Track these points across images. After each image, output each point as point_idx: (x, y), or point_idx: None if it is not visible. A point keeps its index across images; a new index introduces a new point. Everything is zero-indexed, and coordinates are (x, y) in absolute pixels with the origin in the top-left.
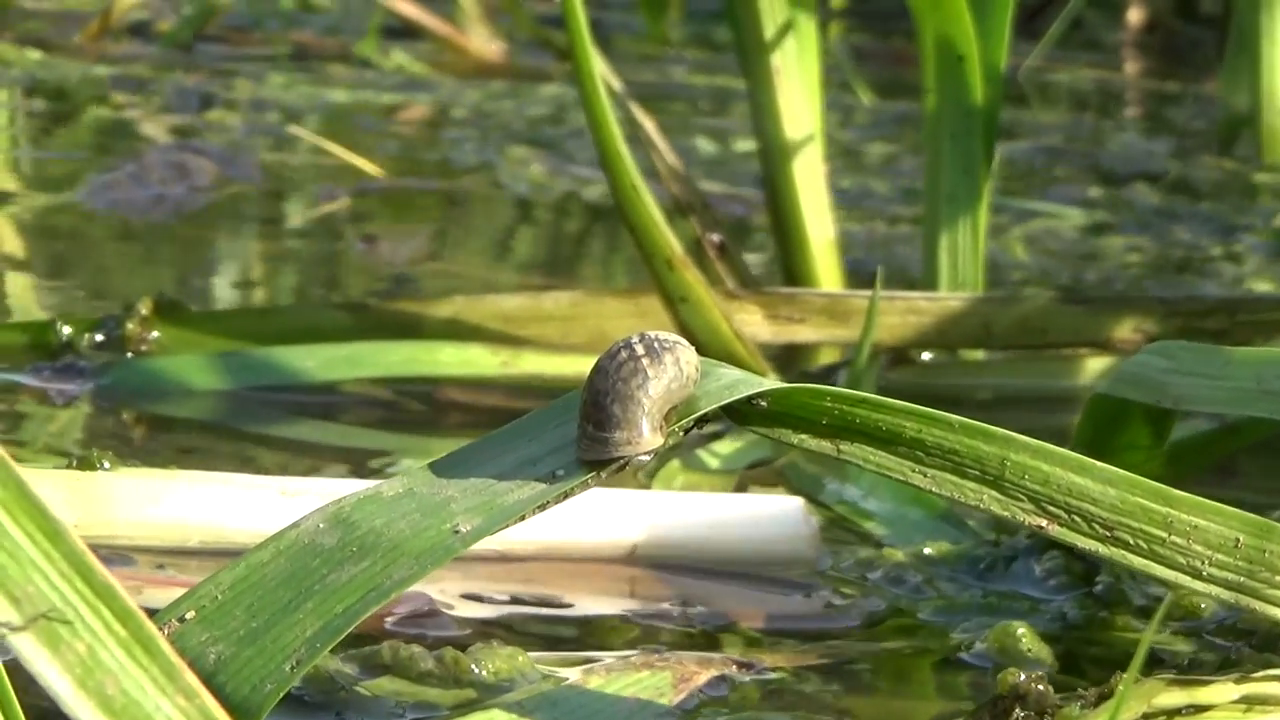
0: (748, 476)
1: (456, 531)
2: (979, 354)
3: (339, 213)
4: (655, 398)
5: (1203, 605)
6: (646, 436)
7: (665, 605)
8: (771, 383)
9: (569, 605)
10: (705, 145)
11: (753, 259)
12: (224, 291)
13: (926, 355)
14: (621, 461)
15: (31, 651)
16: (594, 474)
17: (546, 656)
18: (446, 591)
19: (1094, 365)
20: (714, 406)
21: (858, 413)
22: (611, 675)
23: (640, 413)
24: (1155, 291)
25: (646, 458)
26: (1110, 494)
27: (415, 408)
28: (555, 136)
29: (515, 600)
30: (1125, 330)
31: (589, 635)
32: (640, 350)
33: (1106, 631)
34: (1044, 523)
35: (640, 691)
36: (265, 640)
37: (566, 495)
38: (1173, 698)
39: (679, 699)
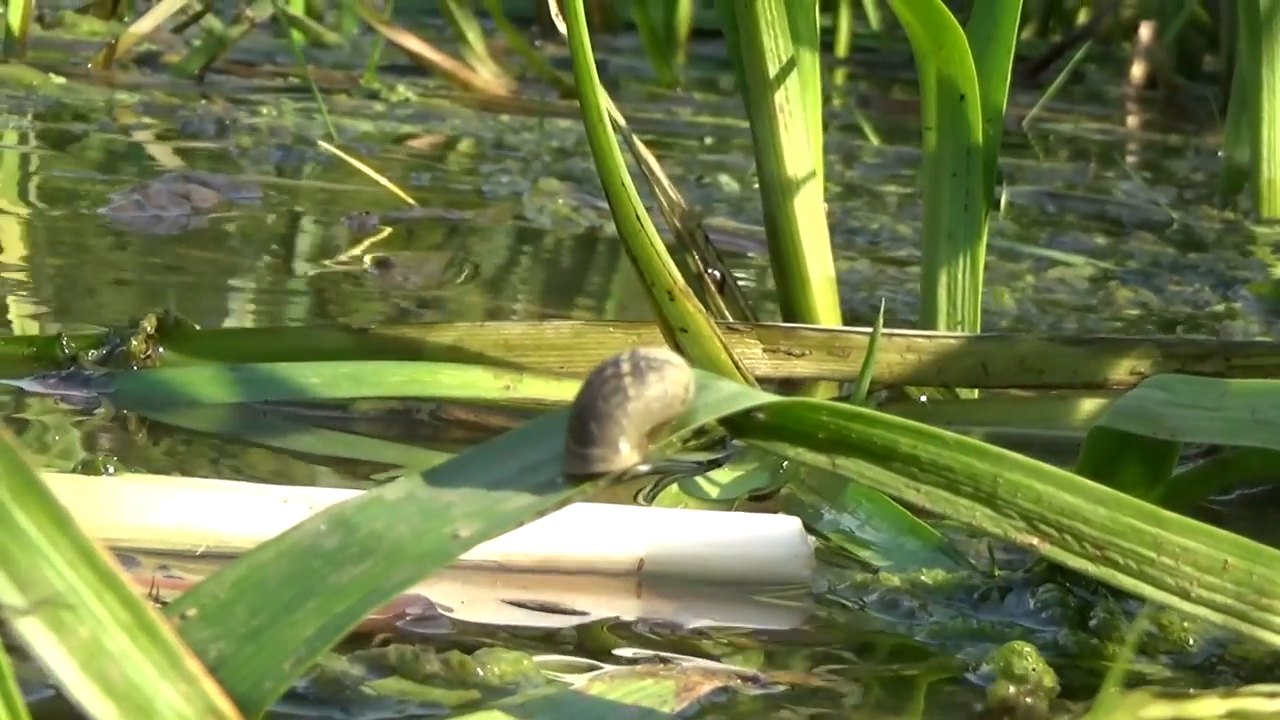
0: (746, 505)
1: (456, 536)
2: (975, 393)
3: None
4: (634, 416)
5: (1190, 641)
6: (624, 454)
7: (669, 617)
8: (769, 396)
9: (574, 613)
10: (721, 181)
11: (752, 296)
12: (231, 316)
13: (923, 396)
14: (601, 476)
15: (36, 636)
16: (585, 485)
17: (550, 661)
18: (452, 597)
19: (1090, 406)
20: (710, 418)
21: (854, 427)
22: (615, 682)
23: (617, 431)
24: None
25: (642, 468)
26: (1101, 514)
27: (420, 424)
28: (586, 170)
29: (521, 606)
30: (1122, 372)
31: (594, 643)
32: (626, 369)
33: (1099, 662)
34: (1035, 540)
35: (643, 699)
36: (265, 638)
37: (564, 503)
38: (1160, 710)
39: (681, 708)
